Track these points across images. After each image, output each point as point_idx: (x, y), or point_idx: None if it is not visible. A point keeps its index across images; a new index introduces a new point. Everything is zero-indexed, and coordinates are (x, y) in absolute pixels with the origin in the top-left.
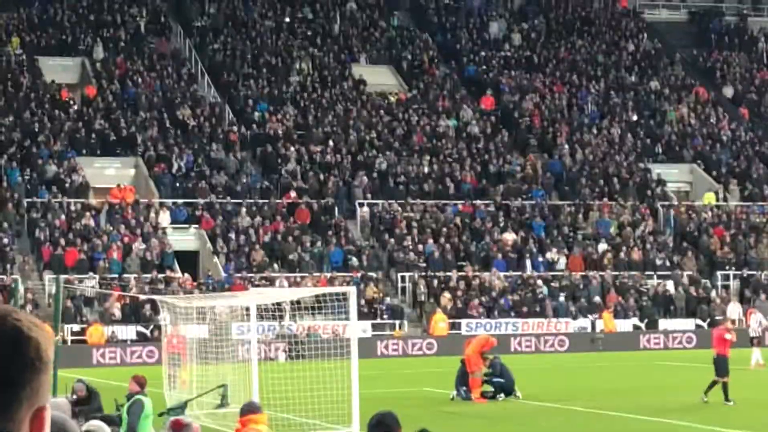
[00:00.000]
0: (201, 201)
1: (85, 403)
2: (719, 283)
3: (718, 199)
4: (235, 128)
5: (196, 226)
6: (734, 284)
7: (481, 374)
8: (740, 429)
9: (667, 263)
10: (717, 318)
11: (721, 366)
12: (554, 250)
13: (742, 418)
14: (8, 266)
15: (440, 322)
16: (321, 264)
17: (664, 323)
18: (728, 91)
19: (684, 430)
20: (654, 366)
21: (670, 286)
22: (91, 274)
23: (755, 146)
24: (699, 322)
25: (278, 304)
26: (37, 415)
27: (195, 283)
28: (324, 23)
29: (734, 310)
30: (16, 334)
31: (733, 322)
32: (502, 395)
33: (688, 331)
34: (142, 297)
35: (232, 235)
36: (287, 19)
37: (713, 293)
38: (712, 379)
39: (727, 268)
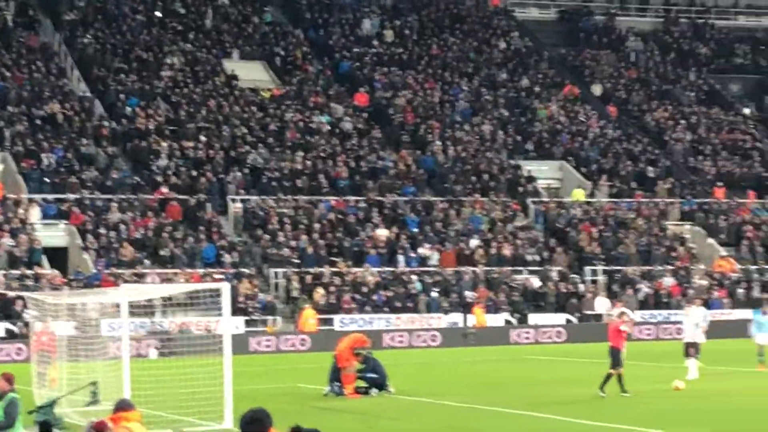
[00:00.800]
0: (71, 196)
1: None
2: (588, 278)
3: (586, 196)
4: (105, 123)
5: (66, 221)
6: (602, 279)
7: (354, 370)
8: (608, 422)
9: (537, 258)
10: (586, 312)
11: (615, 358)
12: (427, 245)
13: (611, 412)
14: None
15: (310, 319)
16: (193, 260)
17: (534, 318)
18: (597, 89)
19: (554, 423)
20: (525, 360)
21: (540, 281)
22: None
23: (623, 143)
24: (568, 316)
25: (149, 300)
26: None
27: (64, 279)
28: (196, 18)
29: (602, 304)
30: None
31: (623, 314)
32: (375, 390)
33: (558, 326)
34: (11, 294)
35: (103, 231)
36: (158, 14)
37: (582, 288)
38: (607, 372)
39: (595, 263)
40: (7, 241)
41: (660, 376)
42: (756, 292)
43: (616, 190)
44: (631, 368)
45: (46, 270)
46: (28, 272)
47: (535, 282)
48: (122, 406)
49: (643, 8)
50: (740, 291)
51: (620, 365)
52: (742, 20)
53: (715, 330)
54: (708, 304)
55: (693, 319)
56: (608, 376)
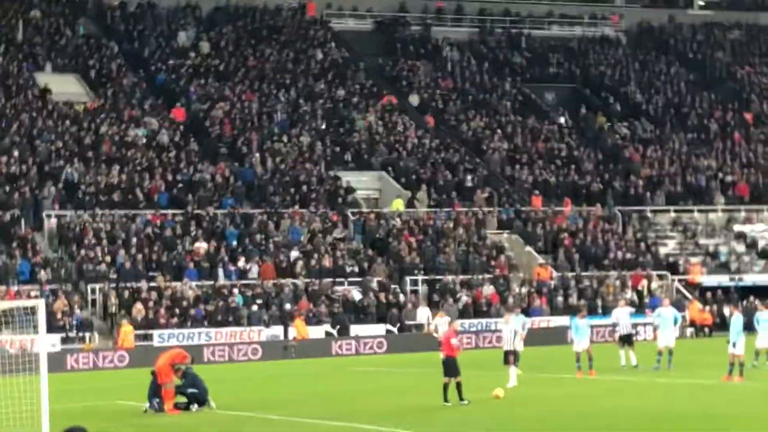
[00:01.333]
0: None
1: None
2: (408, 288)
3: (406, 206)
4: None
5: None
6: (423, 289)
7: (173, 385)
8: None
9: (357, 270)
10: (407, 323)
11: (451, 367)
12: (245, 258)
13: (429, 420)
14: None
15: (129, 334)
16: (7, 277)
17: (355, 329)
18: (414, 99)
19: None
20: (347, 372)
21: (360, 292)
22: None
23: (440, 153)
24: (389, 327)
25: None
26: None
27: None
28: (7, 31)
29: (423, 314)
30: None
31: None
32: (196, 406)
33: (379, 337)
34: None
35: None
36: None
37: (402, 298)
38: (443, 382)
39: (415, 272)
40: None
41: (480, 385)
42: (573, 299)
43: (435, 200)
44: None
45: None
46: None
47: (356, 293)
48: None
49: (458, 18)
50: (558, 298)
51: (457, 374)
52: (555, 30)
53: (534, 337)
54: (527, 312)
55: (512, 327)
56: (446, 386)
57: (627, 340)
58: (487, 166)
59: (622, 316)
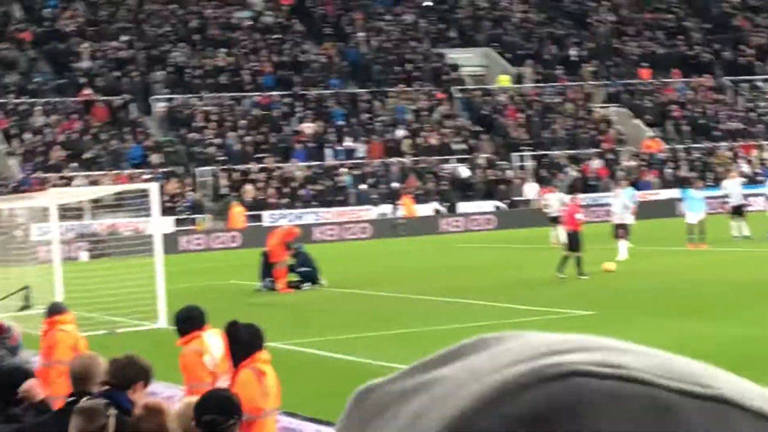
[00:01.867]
0: None
1: None
2: (516, 164)
3: (512, 82)
4: (24, 26)
5: None
6: (530, 164)
7: (285, 264)
8: (536, 306)
9: (464, 147)
10: (515, 199)
11: (575, 241)
12: (353, 138)
13: (539, 295)
14: None
15: (240, 215)
16: (119, 161)
17: (463, 206)
18: None
19: (483, 308)
20: (455, 248)
21: (468, 169)
22: None
23: (546, 27)
24: (497, 203)
25: (78, 203)
26: None
27: None
28: None
29: (531, 190)
30: None
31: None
32: (308, 284)
33: (488, 213)
34: None
35: (28, 135)
36: None
37: (510, 174)
38: (563, 255)
39: (522, 149)
40: None
41: (590, 259)
42: (683, 171)
43: (541, 75)
44: (560, 252)
45: None
46: None
47: (463, 170)
48: (56, 310)
49: None
50: (668, 171)
51: (579, 248)
52: None
53: (644, 210)
54: (636, 185)
55: (621, 201)
56: (565, 258)
57: (738, 211)
58: (594, 38)
59: (733, 187)
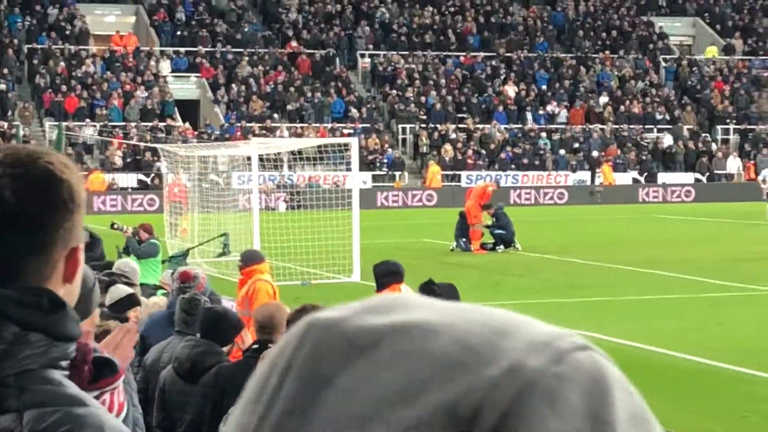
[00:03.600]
0: (202, 50)
1: (88, 250)
2: (719, 137)
3: (720, 53)
4: None
5: (197, 74)
6: (734, 138)
7: (481, 226)
8: (734, 281)
9: (668, 117)
10: (717, 172)
11: None
12: (555, 103)
13: (736, 272)
14: (9, 112)
15: (437, 174)
16: (321, 115)
17: (663, 177)
18: None
19: (677, 280)
20: (653, 219)
21: (669, 140)
22: (88, 121)
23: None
24: (698, 176)
25: (277, 154)
26: (71, 255)
27: (195, 132)
28: None
29: (734, 164)
30: (48, 176)
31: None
32: (502, 247)
33: (687, 185)
34: (143, 145)
35: (233, 85)
36: None
37: (713, 147)
38: None
39: (727, 121)
40: (140, 93)
41: None
42: None
43: (750, 47)
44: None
45: (178, 122)
46: (161, 124)
47: (667, 140)
48: (253, 259)
49: None
50: None
51: None
52: None
53: None
54: None
55: None
56: None
57: None
58: None
59: None
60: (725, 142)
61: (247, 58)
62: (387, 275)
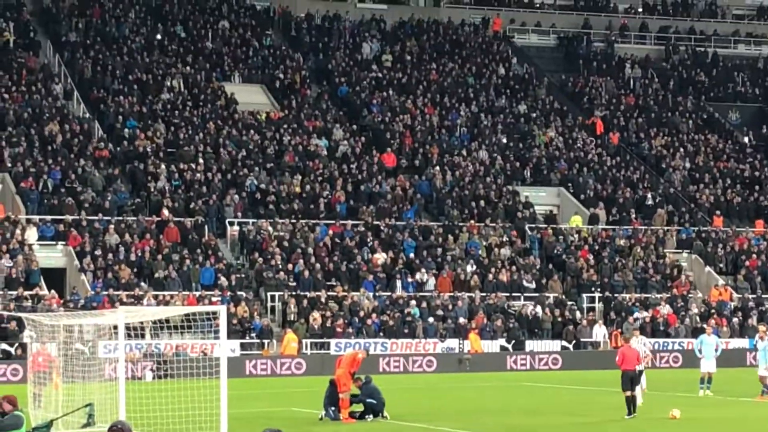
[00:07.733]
0: (69, 218)
1: None
2: (585, 305)
3: (584, 223)
4: (103, 145)
5: (64, 243)
6: (599, 306)
7: (350, 394)
8: None
9: (534, 285)
10: (583, 340)
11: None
12: (423, 270)
13: None
14: None
15: (291, 342)
16: (189, 283)
17: (530, 344)
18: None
19: None
20: (520, 387)
21: (536, 308)
22: None
23: (621, 171)
24: (564, 343)
25: (146, 322)
26: None
27: (61, 301)
28: (197, 41)
29: (599, 332)
30: None
31: (626, 340)
32: (371, 416)
33: (554, 353)
34: (7, 314)
35: (100, 253)
36: (159, 36)
37: (578, 315)
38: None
39: (592, 290)
40: (5, 261)
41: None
42: (753, 321)
43: (613, 217)
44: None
45: (44, 291)
46: (26, 293)
47: (537, 309)
48: (119, 428)
49: (642, 36)
50: (735, 320)
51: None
52: (742, 49)
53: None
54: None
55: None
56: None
57: None
58: (668, 184)
59: None
60: (591, 310)
61: (114, 227)
62: None
